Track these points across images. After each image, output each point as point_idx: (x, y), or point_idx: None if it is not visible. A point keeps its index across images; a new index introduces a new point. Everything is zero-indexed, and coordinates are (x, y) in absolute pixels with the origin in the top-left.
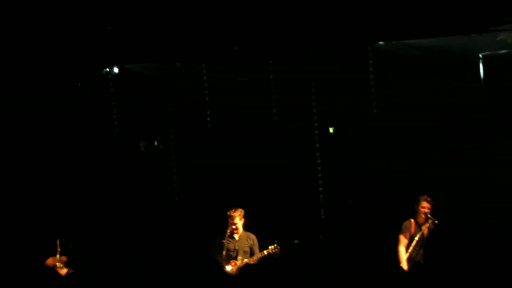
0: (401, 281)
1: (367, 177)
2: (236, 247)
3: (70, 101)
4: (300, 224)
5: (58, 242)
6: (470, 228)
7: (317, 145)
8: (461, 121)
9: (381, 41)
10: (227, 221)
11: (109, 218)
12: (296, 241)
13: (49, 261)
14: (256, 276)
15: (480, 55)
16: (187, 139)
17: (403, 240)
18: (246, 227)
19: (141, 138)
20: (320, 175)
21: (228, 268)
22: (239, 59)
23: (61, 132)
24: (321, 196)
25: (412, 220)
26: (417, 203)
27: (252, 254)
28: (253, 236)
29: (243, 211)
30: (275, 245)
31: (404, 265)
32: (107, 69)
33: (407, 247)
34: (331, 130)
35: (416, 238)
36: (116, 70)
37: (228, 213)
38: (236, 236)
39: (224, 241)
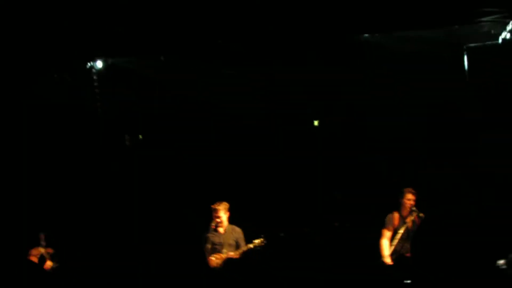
0: (384, 275)
1: (355, 171)
2: (221, 240)
3: (53, 95)
4: (285, 218)
5: (42, 236)
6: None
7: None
8: (448, 116)
9: (367, 33)
10: (211, 214)
11: (94, 212)
12: (281, 234)
13: (33, 251)
14: (239, 269)
15: (465, 47)
16: (171, 133)
17: (386, 234)
18: (231, 220)
19: (126, 132)
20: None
21: (213, 261)
22: (225, 53)
23: (45, 126)
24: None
25: (395, 213)
26: (401, 195)
27: (238, 247)
28: (238, 229)
29: (227, 205)
30: (262, 239)
31: (387, 259)
32: (91, 63)
33: (391, 240)
34: (315, 123)
35: (401, 231)
36: (100, 64)
37: (212, 206)
38: (221, 229)
39: (209, 234)
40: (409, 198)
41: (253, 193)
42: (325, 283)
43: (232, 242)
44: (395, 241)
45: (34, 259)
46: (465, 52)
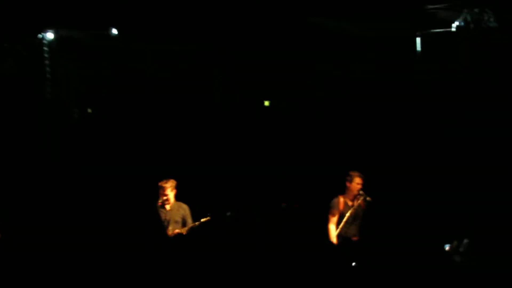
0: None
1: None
2: (167, 217)
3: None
4: (232, 197)
5: None
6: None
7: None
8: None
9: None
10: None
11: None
12: (228, 213)
13: None
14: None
15: (418, 33)
16: (122, 108)
17: (332, 219)
18: (178, 197)
19: (75, 105)
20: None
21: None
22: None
23: None
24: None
25: (340, 197)
26: (349, 179)
27: (184, 224)
28: (185, 206)
29: (175, 182)
30: (208, 217)
31: (334, 240)
32: (41, 35)
33: (337, 224)
34: (266, 103)
35: (347, 215)
36: (50, 35)
37: (159, 184)
38: (168, 207)
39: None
40: (358, 182)
41: (202, 171)
42: (270, 263)
43: (179, 219)
44: (341, 224)
45: None
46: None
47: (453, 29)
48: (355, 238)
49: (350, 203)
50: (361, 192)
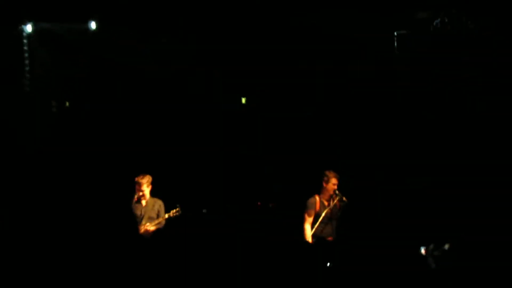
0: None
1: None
2: (142, 213)
3: None
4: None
5: None
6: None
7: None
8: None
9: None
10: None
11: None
12: (204, 211)
13: None
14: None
15: (395, 33)
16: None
17: (308, 218)
18: (153, 193)
19: (53, 98)
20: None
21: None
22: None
23: None
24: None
25: (316, 197)
26: (325, 179)
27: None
28: (160, 202)
29: (151, 178)
30: (177, 209)
31: (310, 240)
32: (21, 26)
33: (313, 224)
34: (243, 100)
35: (323, 214)
36: (29, 28)
37: (136, 179)
38: (144, 202)
39: (132, 206)
40: (334, 183)
41: (178, 168)
42: (245, 262)
43: (153, 214)
44: (316, 224)
45: None
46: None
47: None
48: (330, 238)
49: (326, 203)
50: (337, 192)
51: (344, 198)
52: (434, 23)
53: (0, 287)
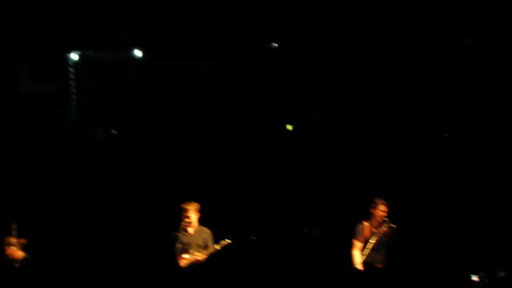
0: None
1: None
2: (190, 241)
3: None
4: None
5: (13, 226)
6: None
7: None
8: None
9: None
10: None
11: (65, 203)
12: (253, 238)
13: (6, 240)
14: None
15: None
16: (144, 129)
17: (357, 244)
18: (202, 221)
19: (99, 125)
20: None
21: (180, 261)
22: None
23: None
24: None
25: (365, 223)
26: (374, 206)
27: (206, 248)
28: (207, 231)
29: (198, 205)
30: (228, 240)
31: (360, 267)
32: (67, 55)
33: (362, 251)
34: (289, 127)
35: (372, 242)
36: (75, 56)
37: (182, 206)
38: (191, 230)
39: (178, 233)
40: (382, 210)
41: (226, 195)
42: None
43: (201, 243)
44: (366, 251)
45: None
46: None
47: None
48: (379, 266)
49: (374, 230)
50: (385, 219)
51: (393, 225)
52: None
53: None
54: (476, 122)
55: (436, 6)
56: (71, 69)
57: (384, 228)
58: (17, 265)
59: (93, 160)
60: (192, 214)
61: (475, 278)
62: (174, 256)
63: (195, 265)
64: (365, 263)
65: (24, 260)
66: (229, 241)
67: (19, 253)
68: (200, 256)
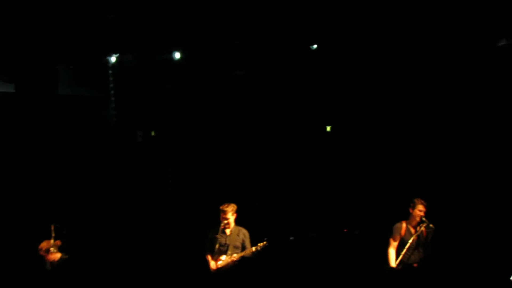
0: (389, 281)
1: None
2: (227, 242)
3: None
4: (294, 221)
5: (52, 227)
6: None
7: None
8: None
9: None
10: (219, 215)
11: (105, 206)
12: (291, 238)
13: (43, 244)
14: (239, 272)
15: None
16: (184, 130)
17: (393, 243)
18: (238, 222)
19: (139, 128)
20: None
21: (218, 262)
22: (236, 52)
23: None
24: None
25: (403, 223)
26: (412, 206)
27: (243, 249)
28: (244, 231)
29: (235, 206)
30: (265, 242)
31: (394, 265)
32: (106, 57)
33: (399, 250)
34: (328, 128)
35: (410, 241)
36: (113, 59)
37: (221, 207)
38: (228, 231)
39: (217, 235)
40: (420, 210)
41: (261, 195)
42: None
43: (238, 244)
44: (403, 251)
45: (42, 253)
46: None
47: None
48: (416, 265)
49: (412, 230)
50: (423, 219)
51: (431, 225)
52: None
53: None
54: None
55: None
56: (109, 72)
57: (422, 228)
58: (54, 266)
59: (131, 161)
60: (230, 215)
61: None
62: (207, 257)
63: (228, 268)
64: (401, 262)
65: (61, 261)
66: (266, 242)
67: (56, 255)
68: (236, 257)
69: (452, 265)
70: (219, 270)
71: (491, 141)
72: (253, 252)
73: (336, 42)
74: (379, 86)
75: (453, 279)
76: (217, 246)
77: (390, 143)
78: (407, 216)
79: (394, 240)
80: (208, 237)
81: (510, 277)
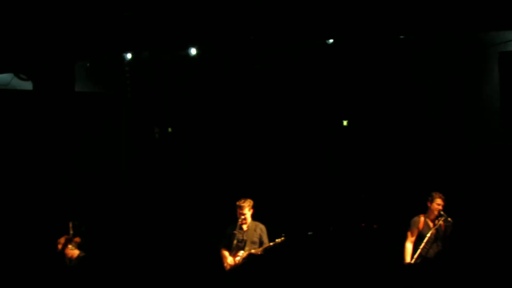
0: (405, 276)
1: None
2: (244, 238)
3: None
4: (311, 216)
5: (70, 225)
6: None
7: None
8: None
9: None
10: (236, 211)
11: (122, 202)
12: (310, 233)
13: (62, 240)
14: (258, 267)
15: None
16: (200, 126)
17: (410, 237)
18: (256, 217)
19: (155, 124)
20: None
21: (236, 258)
22: (254, 47)
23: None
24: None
25: (421, 216)
26: (430, 199)
27: (261, 244)
28: (261, 226)
29: (252, 202)
30: (282, 238)
31: (411, 259)
32: (122, 54)
33: (417, 244)
34: (345, 123)
35: (428, 235)
36: (129, 55)
37: (237, 203)
38: (245, 227)
39: (234, 231)
40: (439, 203)
41: (278, 191)
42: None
43: (256, 239)
44: (422, 245)
45: (60, 246)
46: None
47: None
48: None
49: (431, 223)
50: (442, 212)
51: (449, 219)
52: None
53: None
54: None
55: None
56: (126, 69)
57: (440, 222)
58: (72, 263)
59: (148, 158)
60: (247, 211)
61: None
62: (222, 253)
63: (248, 261)
64: (420, 256)
65: (79, 258)
66: (283, 238)
67: (75, 252)
68: (255, 252)
69: (470, 260)
70: (236, 266)
71: None
72: (270, 247)
73: (353, 36)
74: (398, 80)
75: (470, 274)
76: (234, 242)
77: (409, 137)
78: (425, 210)
79: (412, 234)
80: (226, 233)
81: None
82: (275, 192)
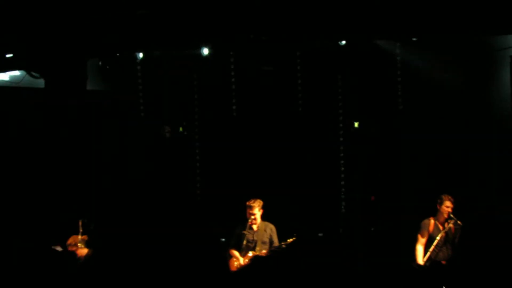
0: (416, 277)
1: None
2: (255, 238)
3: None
4: (321, 218)
5: (80, 223)
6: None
7: (341, 139)
8: None
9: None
10: (245, 211)
11: (132, 201)
12: (320, 234)
13: (70, 240)
14: (266, 268)
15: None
16: (212, 126)
17: (421, 239)
18: (266, 217)
19: (166, 123)
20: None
21: (246, 260)
22: (265, 48)
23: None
24: (343, 190)
25: (431, 219)
26: (439, 202)
27: (271, 244)
28: (271, 226)
29: (262, 202)
30: (294, 238)
31: (421, 262)
32: (134, 54)
33: (427, 247)
34: (356, 124)
35: (438, 238)
36: (141, 55)
37: (247, 203)
38: (255, 227)
39: (244, 231)
40: (448, 206)
41: (288, 191)
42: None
43: (266, 239)
44: (431, 248)
45: (71, 248)
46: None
47: None
48: (443, 262)
49: (440, 226)
50: (451, 215)
51: (459, 222)
52: None
53: None
54: None
55: None
56: (137, 67)
57: (450, 225)
58: (81, 262)
59: (160, 157)
60: (257, 211)
61: None
62: (230, 253)
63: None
64: (429, 259)
65: (88, 256)
66: (294, 238)
67: (83, 250)
68: (265, 253)
69: (480, 263)
70: (245, 266)
71: None
72: (281, 247)
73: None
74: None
75: (481, 277)
76: (244, 242)
77: (416, 139)
78: (435, 213)
79: (422, 237)
80: (235, 233)
81: None
82: (285, 193)
